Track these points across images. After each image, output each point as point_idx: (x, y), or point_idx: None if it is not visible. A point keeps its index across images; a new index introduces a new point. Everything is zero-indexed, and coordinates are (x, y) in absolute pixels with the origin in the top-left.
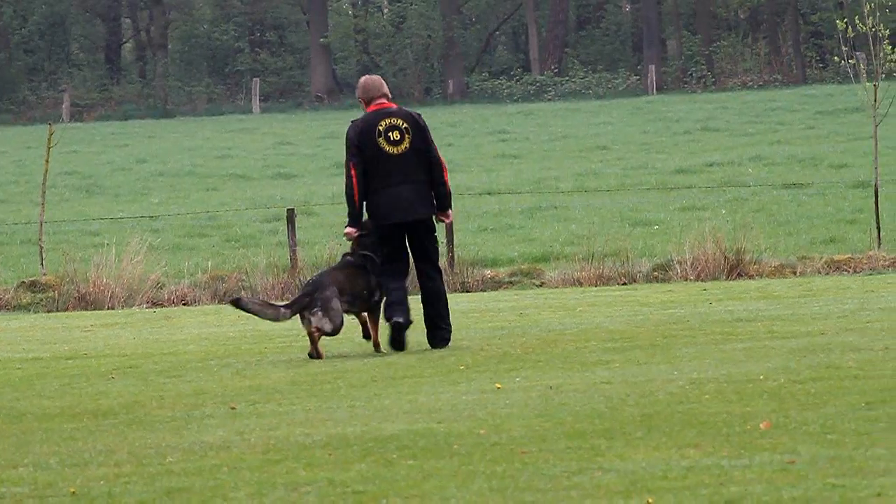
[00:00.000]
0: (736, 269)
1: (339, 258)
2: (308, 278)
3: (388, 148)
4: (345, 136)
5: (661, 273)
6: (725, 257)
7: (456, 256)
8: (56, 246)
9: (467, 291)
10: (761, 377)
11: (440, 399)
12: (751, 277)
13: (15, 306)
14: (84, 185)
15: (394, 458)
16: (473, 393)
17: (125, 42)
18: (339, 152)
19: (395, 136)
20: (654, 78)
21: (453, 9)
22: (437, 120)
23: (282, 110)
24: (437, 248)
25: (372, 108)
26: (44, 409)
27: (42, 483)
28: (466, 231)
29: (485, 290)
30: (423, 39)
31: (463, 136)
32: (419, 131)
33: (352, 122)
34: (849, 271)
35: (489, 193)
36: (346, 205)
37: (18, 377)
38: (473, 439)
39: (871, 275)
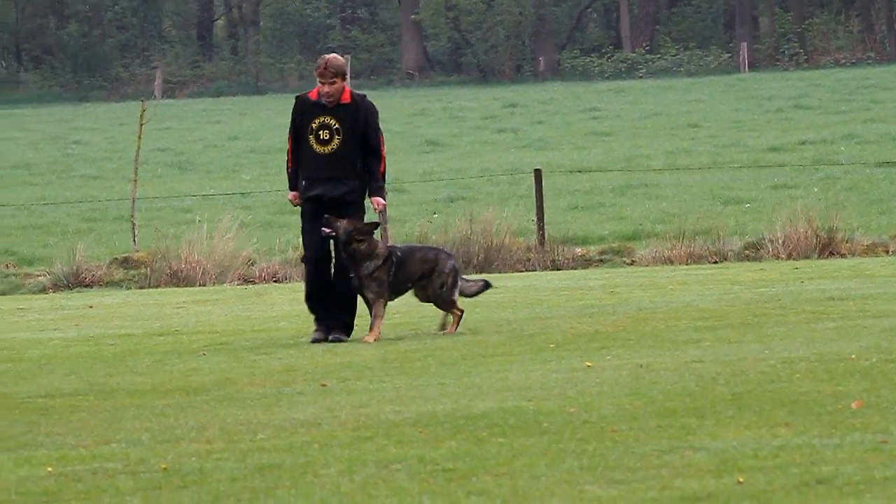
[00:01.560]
0: (828, 247)
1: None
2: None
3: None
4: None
5: (753, 251)
6: (817, 236)
7: (546, 234)
8: (148, 222)
9: (557, 269)
10: (853, 356)
11: (530, 377)
12: (843, 256)
13: (108, 282)
14: (176, 161)
15: (484, 435)
16: (563, 371)
17: (217, 19)
18: (431, 129)
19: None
20: (746, 55)
21: None
22: (528, 97)
23: (373, 87)
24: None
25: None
26: (136, 386)
27: (134, 459)
28: (557, 209)
29: (575, 269)
30: (515, 16)
31: (554, 113)
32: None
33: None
34: None
35: (580, 171)
36: (436, 182)
37: (111, 353)
38: (563, 417)
39: None
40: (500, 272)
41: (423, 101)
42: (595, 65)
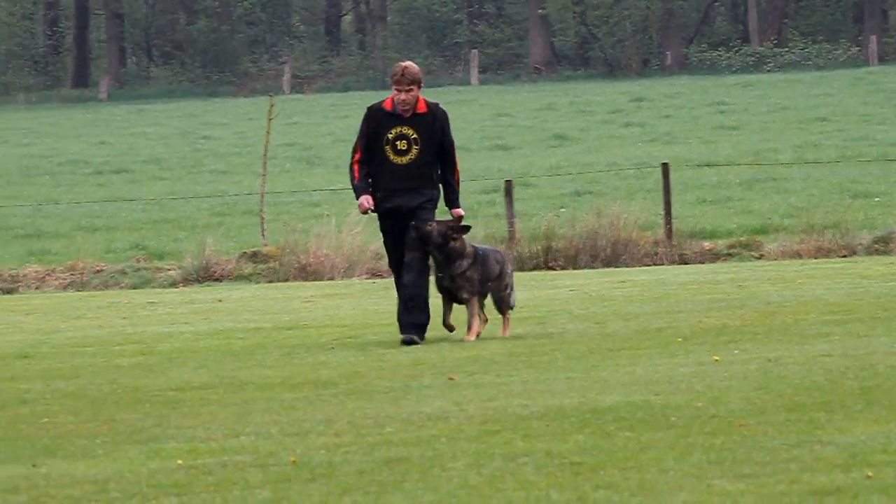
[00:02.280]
0: None
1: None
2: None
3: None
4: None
5: (882, 245)
6: None
7: (674, 228)
8: (277, 217)
9: (685, 263)
10: None
11: (658, 371)
12: None
13: (237, 276)
14: (305, 156)
15: (611, 429)
16: (691, 365)
17: (345, 14)
18: (558, 124)
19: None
20: (876, 49)
21: None
22: (655, 91)
23: (500, 82)
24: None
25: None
26: (265, 379)
27: (263, 452)
28: (685, 203)
29: (703, 262)
30: (642, 10)
31: (681, 107)
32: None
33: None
34: None
35: (708, 165)
36: (563, 176)
37: (240, 347)
38: (691, 411)
39: None
40: (627, 266)
41: (551, 96)
42: (723, 58)
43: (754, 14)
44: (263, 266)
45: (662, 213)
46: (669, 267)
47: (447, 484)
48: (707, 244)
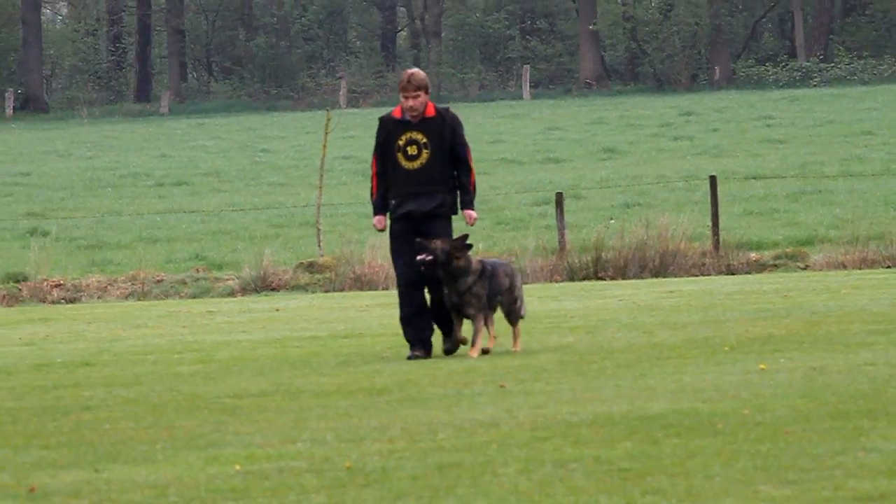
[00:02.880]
0: None
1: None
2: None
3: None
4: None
5: None
6: None
7: (721, 239)
8: (333, 228)
9: (732, 274)
10: None
11: (704, 379)
12: None
13: (293, 286)
14: (360, 169)
15: (659, 436)
16: (737, 373)
17: (400, 30)
18: (608, 137)
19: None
20: None
21: None
22: (704, 105)
23: (551, 96)
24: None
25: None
26: (321, 387)
27: (319, 457)
28: (731, 215)
29: (749, 273)
30: (691, 26)
31: (729, 121)
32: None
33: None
34: None
35: (754, 178)
36: (613, 189)
37: (297, 355)
38: (737, 419)
39: None
40: (675, 276)
41: (601, 110)
42: (769, 73)
43: (801, 30)
44: (319, 276)
45: (710, 224)
46: (716, 277)
47: (498, 489)
48: (753, 255)
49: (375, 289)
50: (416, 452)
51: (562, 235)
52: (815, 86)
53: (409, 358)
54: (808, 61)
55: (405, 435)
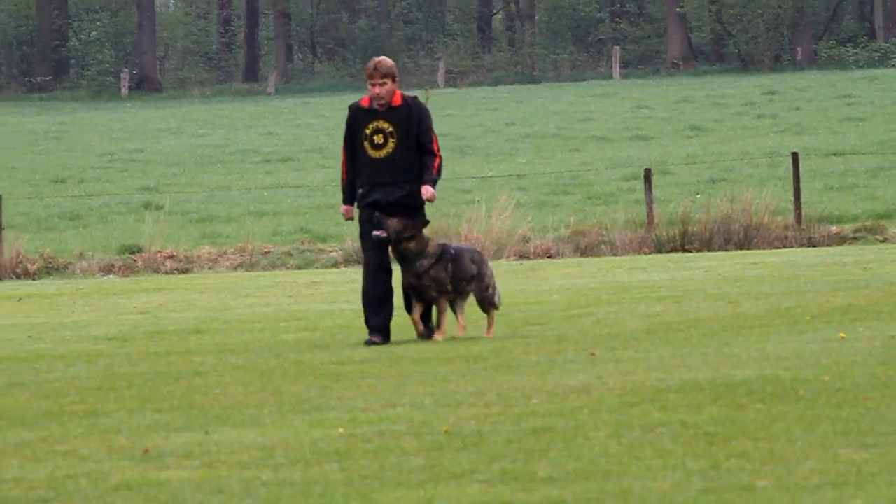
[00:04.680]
0: None
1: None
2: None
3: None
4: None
5: None
6: None
7: (803, 213)
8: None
9: (814, 246)
10: None
11: (787, 347)
12: None
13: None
14: (457, 145)
15: (743, 402)
16: (818, 342)
17: (496, 13)
18: (694, 115)
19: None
20: None
21: None
22: (786, 85)
23: (640, 76)
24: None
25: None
26: (420, 354)
27: (418, 421)
28: (813, 190)
29: (830, 245)
30: (774, 9)
31: (810, 100)
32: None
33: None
34: None
35: (835, 154)
36: (699, 165)
37: (396, 323)
38: (818, 385)
39: None
40: (758, 249)
41: (687, 89)
42: (850, 54)
43: (880, 12)
44: None
45: (792, 199)
46: (798, 250)
47: (589, 452)
48: (834, 228)
49: None
50: (511, 417)
51: (650, 209)
52: (893, 66)
53: (367, 343)
54: (886, 42)
55: (500, 400)
